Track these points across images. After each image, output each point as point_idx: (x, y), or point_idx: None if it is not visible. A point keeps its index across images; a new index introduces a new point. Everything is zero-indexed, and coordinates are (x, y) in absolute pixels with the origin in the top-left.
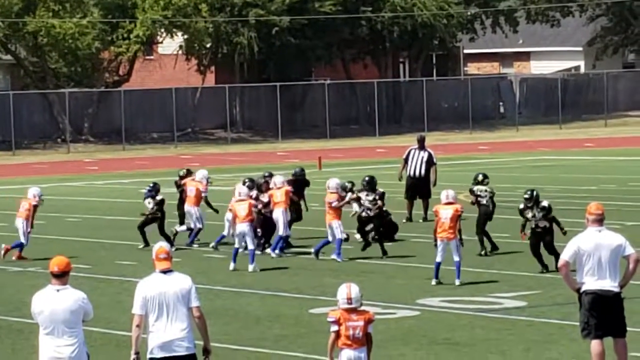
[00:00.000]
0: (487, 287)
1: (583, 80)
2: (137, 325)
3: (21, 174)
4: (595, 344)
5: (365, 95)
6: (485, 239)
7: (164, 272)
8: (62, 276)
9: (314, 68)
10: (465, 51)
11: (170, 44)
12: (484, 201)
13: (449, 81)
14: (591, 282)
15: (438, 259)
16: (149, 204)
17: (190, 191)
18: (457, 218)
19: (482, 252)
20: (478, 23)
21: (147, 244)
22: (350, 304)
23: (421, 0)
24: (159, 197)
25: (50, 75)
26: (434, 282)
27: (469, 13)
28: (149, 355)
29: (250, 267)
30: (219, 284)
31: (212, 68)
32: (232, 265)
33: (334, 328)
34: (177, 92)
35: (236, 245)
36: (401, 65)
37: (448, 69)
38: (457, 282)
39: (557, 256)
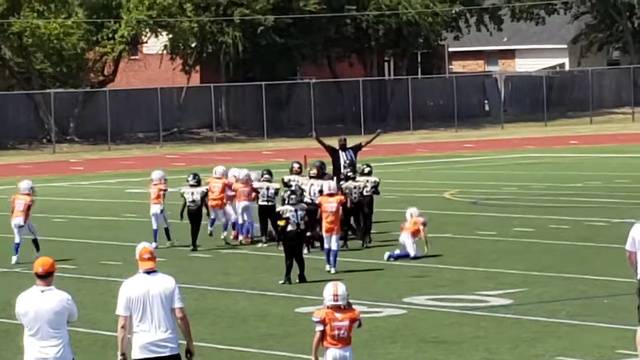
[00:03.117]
0: (473, 285)
1: (568, 78)
2: (122, 327)
3: (6, 174)
4: (638, 331)
5: (351, 94)
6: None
7: (148, 272)
8: (46, 277)
9: (299, 67)
10: (450, 49)
11: (155, 44)
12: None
13: (434, 79)
14: None
15: (326, 246)
16: (192, 194)
17: (19, 205)
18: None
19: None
20: (463, 21)
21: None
22: (337, 301)
23: None
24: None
25: (35, 76)
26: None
27: (453, 11)
28: (133, 357)
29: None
30: (204, 283)
31: (198, 67)
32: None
33: (319, 328)
34: (163, 92)
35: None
36: (386, 64)
37: (433, 67)
38: (333, 270)
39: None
